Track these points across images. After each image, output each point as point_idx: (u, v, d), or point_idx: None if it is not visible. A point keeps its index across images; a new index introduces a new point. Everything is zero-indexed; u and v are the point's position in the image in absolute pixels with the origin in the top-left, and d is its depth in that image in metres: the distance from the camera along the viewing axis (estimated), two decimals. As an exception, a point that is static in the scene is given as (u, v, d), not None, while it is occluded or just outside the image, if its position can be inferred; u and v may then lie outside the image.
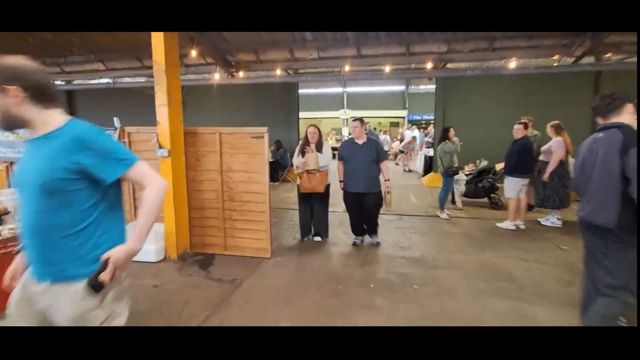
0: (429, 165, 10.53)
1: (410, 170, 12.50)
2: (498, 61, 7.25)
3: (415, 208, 7.02)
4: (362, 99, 23.02)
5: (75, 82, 9.68)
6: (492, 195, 6.96)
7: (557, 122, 5.43)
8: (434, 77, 9.33)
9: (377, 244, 4.69)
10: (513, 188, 5.34)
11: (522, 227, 5.47)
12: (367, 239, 4.85)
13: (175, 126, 4.09)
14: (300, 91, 24.16)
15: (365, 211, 4.50)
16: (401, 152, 13.30)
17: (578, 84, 8.69)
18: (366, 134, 4.51)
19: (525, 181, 5.31)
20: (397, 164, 13.75)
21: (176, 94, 4.10)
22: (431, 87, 13.14)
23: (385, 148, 13.57)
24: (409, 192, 8.67)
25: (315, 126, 4.53)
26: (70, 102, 11.87)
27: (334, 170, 4.63)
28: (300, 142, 4.57)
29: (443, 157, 6.11)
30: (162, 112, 3.98)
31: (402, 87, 22.76)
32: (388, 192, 4.41)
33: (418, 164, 12.10)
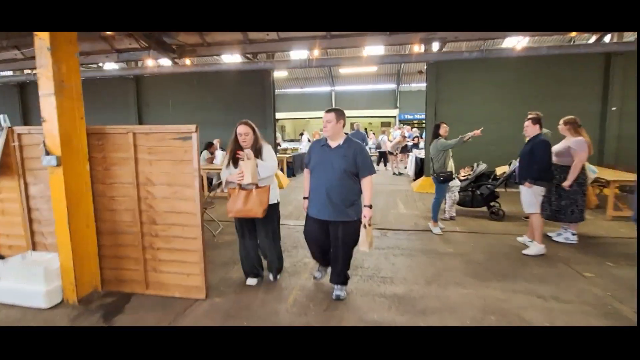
0: (421, 168, 9.53)
1: (400, 174, 11.50)
2: (500, 40, 6.24)
3: (403, 220, 5.99)
4: (352, 98, 22.10)
5: (28, 72, 8.58)
6: (491, 203, 5.98)
7: (572, 117, 4.44)
8: (425, 66, 8.32)
9: (338, 298, 3.17)
10: (534, 199, 4.18)
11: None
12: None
13: (70, 124, 3.01)
14: (286, 90, 23.38)
15: (332, 248, 3.14)
16: (390, 153, 12.28)
17: (585, 72, 7.79)
18: (347, 134, 3.15)
19: (545, 190, 4.22)
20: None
21: (72, 81, 3.02)
22: (423, 85, 12.16)
23: (382, 149, 12.41)
24: (397, 199, 7.64)
25: (248, 124, 3.17)
26: (22, 96, 10.65)
27: (297, 187, 3.44)
28: (229, 148, 3.27)
29: (434, 158, 5.11)
30: (48, 104, 2.89)
31: (392, 86, 21.83)
32: (366, 226, 2.93)
33: (409, 167, 11.12)
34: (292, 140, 21.41)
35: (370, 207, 2.96)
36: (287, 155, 11.32)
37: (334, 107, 3.16)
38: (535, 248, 4.20)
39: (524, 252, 4.28)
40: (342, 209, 2.96)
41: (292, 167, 11.31)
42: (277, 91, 22.47)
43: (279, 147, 13.77)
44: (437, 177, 5.07)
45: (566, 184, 4.27)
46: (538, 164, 4.06)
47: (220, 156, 8.06)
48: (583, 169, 4.36)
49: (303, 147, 17.65)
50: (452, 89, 8.31)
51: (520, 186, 4.26)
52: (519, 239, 4.68)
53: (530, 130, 4.18)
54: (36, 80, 2.91)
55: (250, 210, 3.08)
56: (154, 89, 9.89)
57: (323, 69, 20.25)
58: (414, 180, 9.66)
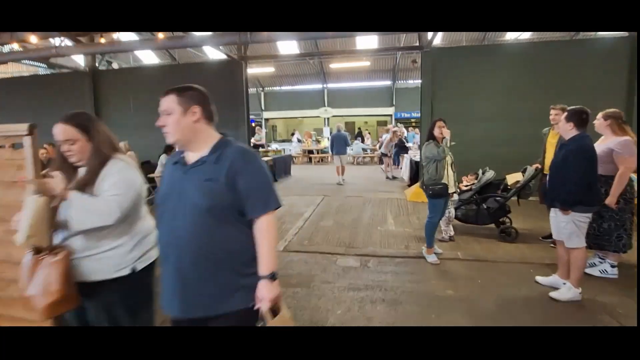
0: (416, 172, 8.38)
1: (394, 178, 10.33)
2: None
3: (391, 241, 4.84)
4: (345, 95, 20.97)
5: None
6: (500, 220, 4.83)
7: (615, 110, 3.30)
8: (420, 57, 7.21)
9: None
10: (574, 228, 2.94)
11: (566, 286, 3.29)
12: None
13: None
14: (277, 89, 22.27)
15: None
16: (384, 155, 11.12)
17: (609, 59, 6.67)
18: (225, 135, 1.54)
19: (590, 216, 2.98)
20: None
21: None
22: (420, 82, 11.03)
23: (383, 151, 10.97)
24: (387, 211, 6.48)
25: (71, 122, 1.66)
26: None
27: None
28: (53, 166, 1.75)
29: (425, 165, 3.99)
30: None
31: (388, 83, 20.68)
32: (265, 321, 1.36)
33: (403, 170, 9.98)
34: (283, 141, 20.34)
35: (273, 278, 1.39)
36: (268, 158, 10.21)
37: (186, 85, 1.46)
38: (570, 292, 3.02)
39: (552, 295, 3.11)
40: (210, 291, 1.38)
41: (274, 172, 10.17)
42: (266, 89, 21.62)
43: (260, 149, 12.64)
44: (427, 190, 3.94)
45: (610, 200, 3.10)
46: (568, 182, 2.85)
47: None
48: (630, 179, 3.22)
49: (293, 148, 16.58)
50: (451, 80, 7.16)
51: (562, 211, 2.99)
52: (542, 280, 3.44)
53: (563, 129, 3.00)
54: None
55: (32, 298, 1.56)
56: (112, 85, 8.75)
57: (314, 65, 19.11)
58: (409, 186, 8.51)
